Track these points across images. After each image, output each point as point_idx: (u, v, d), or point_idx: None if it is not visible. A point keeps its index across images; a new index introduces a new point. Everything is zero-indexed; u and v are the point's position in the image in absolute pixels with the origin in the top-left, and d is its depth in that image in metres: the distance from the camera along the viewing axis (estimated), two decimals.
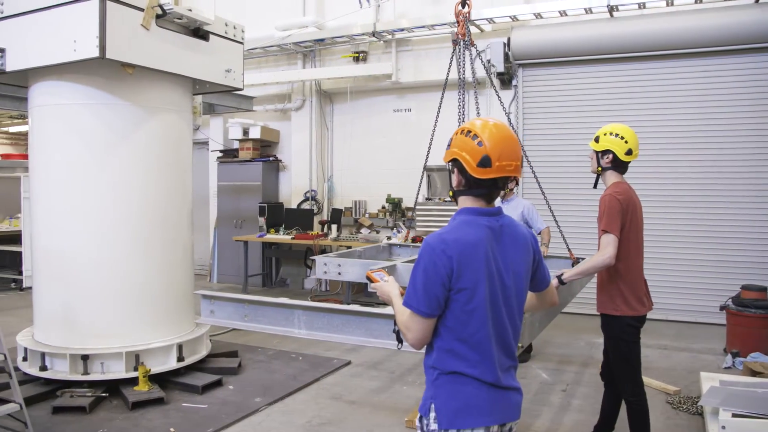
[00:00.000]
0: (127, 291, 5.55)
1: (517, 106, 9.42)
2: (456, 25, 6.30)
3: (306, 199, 11.12)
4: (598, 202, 3.95)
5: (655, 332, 7.67)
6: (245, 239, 10.52)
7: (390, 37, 10.17)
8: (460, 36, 6.20)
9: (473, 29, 9.51)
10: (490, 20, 9.23)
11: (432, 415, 2.32)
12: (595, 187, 4.26)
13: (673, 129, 8.57)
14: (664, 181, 8.58)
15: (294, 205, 11.19)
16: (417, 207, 9.65)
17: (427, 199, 9.85)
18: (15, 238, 11.43)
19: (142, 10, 5.12)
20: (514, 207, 6.69)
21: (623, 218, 3.84)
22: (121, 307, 5.54)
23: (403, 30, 9.92)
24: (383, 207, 10.40)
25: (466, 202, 2.42)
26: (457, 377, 2.30)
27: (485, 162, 2.29)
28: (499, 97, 6.57)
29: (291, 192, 11.40)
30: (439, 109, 6.49)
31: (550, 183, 8.74)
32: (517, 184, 6.87)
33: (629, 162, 4.01)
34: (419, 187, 7.00)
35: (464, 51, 6.22)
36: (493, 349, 2.31)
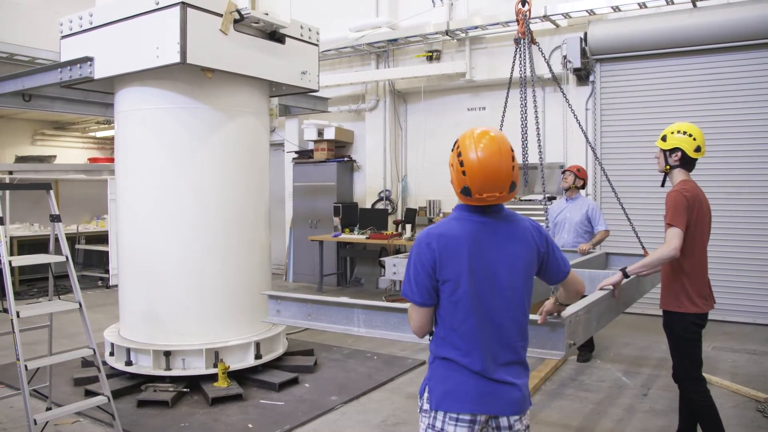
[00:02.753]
0: (207, 289, 5.70)
1: (595, 103, 9.16)
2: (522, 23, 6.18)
3: (380, 199, 11.16)
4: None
5: (744, 336, 7.32)
6: (320, 239, 10.65)
7: (463, 35, 10.08)
8: (520, 35, 6.13)
9: (549, 25, 9.33)
10: (566, 15, 9.01)
11: (426, 395, 2.51)
12: (662, 185, 4.26)
13: (761, 124, 8.13)
14: (750, 177, 8.19)
15: (368, 205, 11.25)
16: None
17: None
18: (102, 237, 11.97)
19: (220, 15, 5.23)
20: (578, 206, 6.67)
21: (689, 215, 3.85)
22: (201, 305, 5.69)
23: (476, 28, 9.80)
24: None
25: (461, 200, 2.50)
26: (449, 363, 2.45)
27: (466, 191, 2.38)
28: (565, 96, 6.37)
29: (365, 192, 11.46)
30: (504, 108, 6.41)
31: (629, 180, 8.51)
32: (584, 185, 6.79)
33: (697, 159, 4.03)
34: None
35: (526, 50, 6.12)
36: (482, 341, 2.40)
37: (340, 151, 11.79)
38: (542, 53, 6.39)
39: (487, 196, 2.35)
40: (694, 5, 8.27)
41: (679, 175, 4.05)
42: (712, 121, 8.21)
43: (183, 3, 4.90)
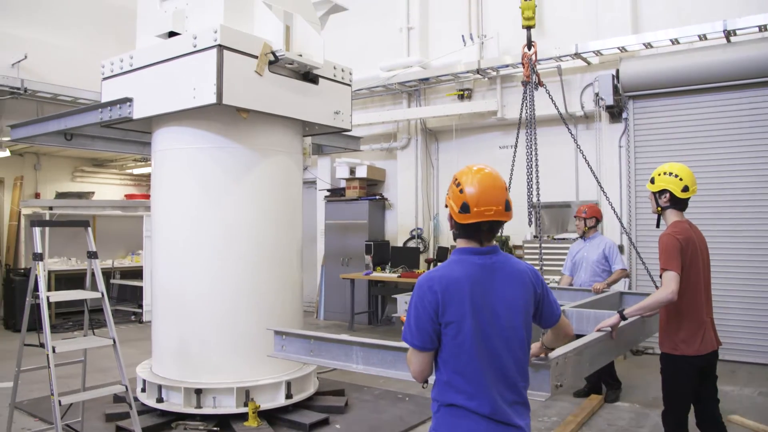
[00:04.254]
0: (239, 327, 5.71)
1: (628, 140, 9.08)
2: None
3: (412, 237, 11.15)
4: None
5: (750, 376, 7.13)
6: (352, 277, 10.64)
7: (494, 73, 10.14)
8: (525, 78, 6.37)
9: (580, 62, 9.34)
10: (597, 52, 9.01)
11: None
12: (657, 226, 4.33)
13: None
14: None
15: (400, 243, 11.24)
16: (525, 244, 9.48)
17: (534, 236, 9.63)
18: (136, 273, 12.14)
19: (255, 57, 5.34)
20: (595, 245, 6.62)
21: (683, 256, 3.87)
22: (233, 343, 5.70)
23: (507, 66, 9.87)
24: None
25: (461, 243, 2.59)
26: (456, 410, 2.42)
27: (465, 208, 2.49)
28: (574, 138, 6.53)
29: (397, 230, 11.47)
30: (515, 146, 6.71)
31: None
32: (598, 221, 6.77)
33: (687, 199, 4.09)
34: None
35: (532, 92, 6.43)
36: (488, 382, 2.40)
37: (371, 189, 11.85)
38: (549, 95, 6.81)
39: (485, 209, 2.47)
40: (728, 40, 8.20)
41: (671, 216, 4.11)
42: (748, 157, 8.12)
43: (220, 46, 5.02)
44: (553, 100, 6.76)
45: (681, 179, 4.03)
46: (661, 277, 3.90)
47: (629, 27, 9.01)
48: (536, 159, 6.49)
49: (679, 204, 4.08)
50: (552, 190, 9.20)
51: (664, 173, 4.09)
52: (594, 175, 6.66)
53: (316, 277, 12.26)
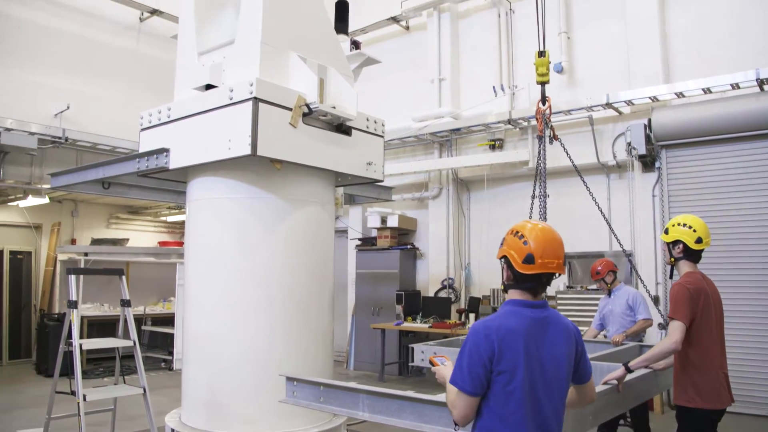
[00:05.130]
0: (269, 376, 5.65)
1: (662, 189, 8.99)
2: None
3: (443, 287, 11.07)
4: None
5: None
6: (382, 327, 10.56)
7: (525, 123, 10.18)
8: (539, 132, 6.58)
9: (611, 112, 9.34)
10: (629, 102, 9.01)
11: None
12: (671, 277, 4.36)
13: None
14: None
15: (431, 293, 11.16)
16: (558, 295, 9.34)
17: (568, 287, 9.50)
18: (167, 320, 12.22)
19: (290, 109, 5.43)
20: (620, 297, 6.52)
21: (693, 307, 3.88)
22: (263, 393, 5.64)
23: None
24: None
25: (514, 294, 2.71)
26: None
27: (529, 259, 2.61)
28: (587, 187, 6.64)
29: (428, 280, 11.40)
30: (532, 198, 6.93)
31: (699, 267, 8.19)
32: (615, 273, 6.75)
33: (701, 251, 4.12)
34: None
35: (545, 146, 6.66)
36: (529, 430, 2.50)
37: (403, 238, 11.84)
38: (563, 147, 6.96)
39: (548, 261, 2.62)
40: (761, 89, 8.14)
41: (684, 266, 4.15)
42: None
43: (255, 98, 5.12)
44: (567, 153, 6.93)
45: (695, 231, 4.09)
46: (668, 325, 3.91)
47: (660, 76, 9.02)
48: (545, 209, 6.78)
49: (693, 255, 4.13)
50: (584, 240, 9.11)
51: (678, 224, 4.16)
52: (607, 223, 6.91)
53: (347, 326, 12.19)
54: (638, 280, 7.10)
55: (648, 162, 9.08)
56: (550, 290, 9.37)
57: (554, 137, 6.69)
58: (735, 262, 8.18)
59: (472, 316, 10.04)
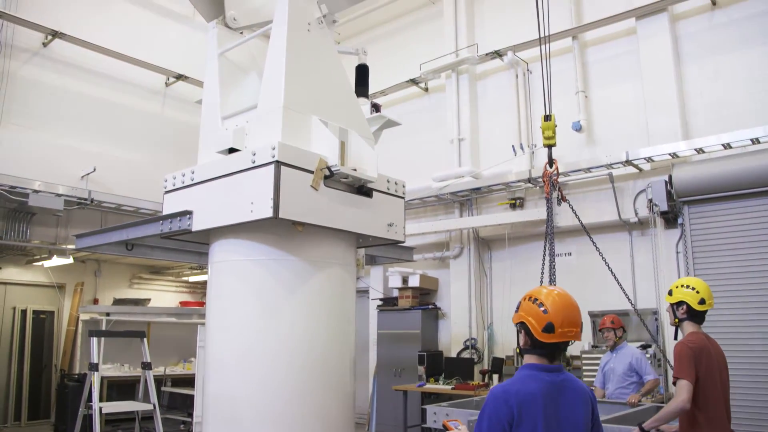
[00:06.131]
0: None
1: (685, 245, 8.87)
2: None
3: (466, 348, 10.91)
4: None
5: None
6: (404, 389, 10.38)
7: None
8: (545, 194, 6.83)
9: (631, 169, 9.33)
10: (649, 159, 9.01)
11: None
12: (675, 338, 4.42)
13: None
14: None
15: (453, 354, 11.00)
16: (583, 355, 9.15)
17: (593, 347, 9.31)
18: (187, 380, 12.13)
19: (311, 172, 5.49)
20: (622, 357, 6.54)
21: (697, 366, 3.92)
22: None
23: (558, 175, 9.88)
24: None
25: (530, 359, 2.75)
26: None
27: (549, 328, 2.64)
28: (596, 245, 6.62)
29: (450, 340, 11.26)
30: (543, 258, 7.14)
31: (725, 323, 8.00)
32: (622, 333, 6.72)
33: (705, 312, 4.20)
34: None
35: (552, 208, 6.91)
36: None
37: (424, 298, 11.76)
38: (572, 208, 7.19)
39: (568, 330, 2.66)
40: None
41: (688, 327, 4.28)
42: None
43: (278, 162, 5.19)
44: (575, 213, 7.17)
45: (698, 292, 4.17)
46: (675, 386, 3.95)
47: (679, 132, 9.02)
48: (554, 269, 7.04)
49: (697, 317, 4.21)
50: (608, 298, 8.97)
51: (682, 286, 4.26)
52: (617, 281, 7.02)
53: (368, 388, 12.01)
54: (662, 337, 6.98)
55: (670, 218, 9.00)
56: (575, 349, 9.21)
57: (562, 198, 6.82)
58: (763, 314, 8.01)
59: (495, 377, 9.85)
